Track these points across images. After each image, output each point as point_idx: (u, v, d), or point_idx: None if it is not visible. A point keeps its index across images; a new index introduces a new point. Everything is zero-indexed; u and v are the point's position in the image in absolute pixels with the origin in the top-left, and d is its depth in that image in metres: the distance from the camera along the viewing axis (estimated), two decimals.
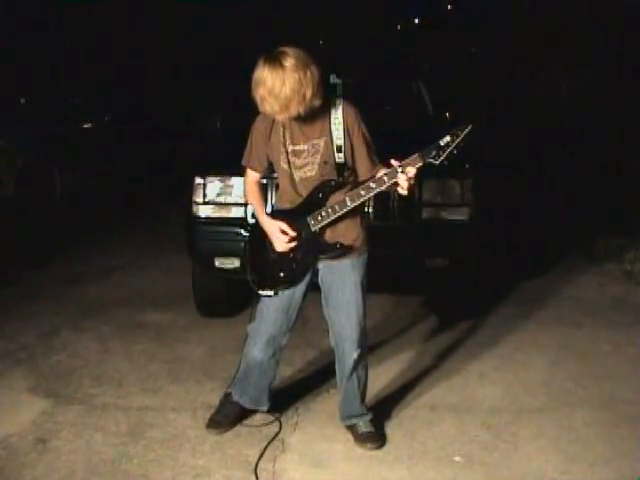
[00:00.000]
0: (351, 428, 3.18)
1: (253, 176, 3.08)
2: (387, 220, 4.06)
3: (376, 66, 5.92)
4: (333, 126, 2.87)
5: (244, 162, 3.07)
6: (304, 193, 2.93)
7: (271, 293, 2.99)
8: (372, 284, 3.08)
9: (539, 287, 5.29)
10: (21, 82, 6.96)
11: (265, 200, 3.36)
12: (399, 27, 24.00)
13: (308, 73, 2.68)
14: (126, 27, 13.12)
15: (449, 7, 23.51)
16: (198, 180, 4.17)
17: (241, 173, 3.18)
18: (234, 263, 4.02)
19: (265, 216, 3.01)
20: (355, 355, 3.05)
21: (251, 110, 2.88)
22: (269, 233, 2.98)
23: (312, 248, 2.95)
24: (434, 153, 2.76)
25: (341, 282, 2.99)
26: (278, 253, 2.98)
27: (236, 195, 4.10)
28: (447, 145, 2.75)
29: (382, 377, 3.73)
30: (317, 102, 2.76)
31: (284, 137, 2.91)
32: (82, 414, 3.35)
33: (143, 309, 4.76)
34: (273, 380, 3.25)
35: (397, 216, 4.07)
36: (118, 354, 4.05)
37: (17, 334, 4.27)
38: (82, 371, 3.81)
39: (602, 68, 12.29)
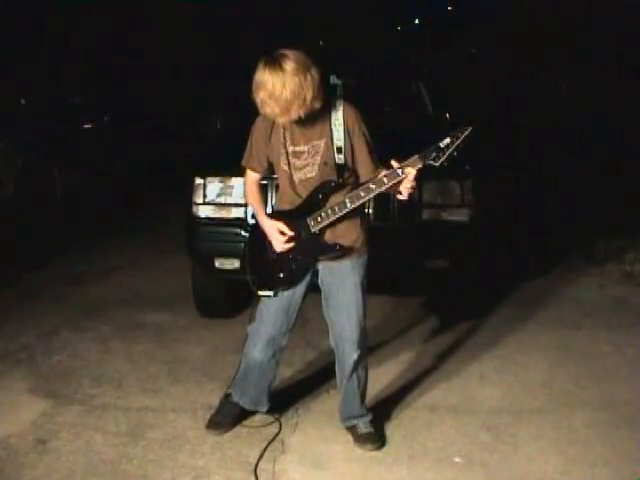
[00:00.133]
0: (351, 429, 3.18)
1: (253, 177, 3.08)
2: (387, 221, 4.06)
3: (376, 67, 5.92)
4: (334, 127, 2.87)
5: (244, 163, 3.07)
6: (304, 194, 2.93)
7: (271, 294, 2.99)
8: (372, 285, 3.09)
9: (539, 288, 5.29)
10: (21, 82, 6.94)
11: (265, 201, 3.36)
12: (399, 28, 24.02)
13: (309, 76, 2.68)
14: (126, 27, 13.12)
15: (449, 8, 23.52)
16: (198, 180, 4.17)
17: (241, 174, 3.18)
18: (234, 264, 4.02)
19: (264, 217, 3.01)
20: (355, 356, 3.05)
21: (251, 110, 2.88)
22: (268, 234, 2.98)
23: (312, 249, 2.96)
24: (434, 155, 2.76)
25: (341, 283, 2.99)
26: (278, 254, 2.98)
27: (236, 196, 4.10)
28: (447, 147, 2.75)
29: (382, 378, 3.73)
30: (317, 104, 2.76)
31: (284, 138, 2.91)
32: (82, 415, 3.35)
33: (143, 309, 4.76)
34: (273, 381, 3.26)
35: (397, 217, 4.06)
36: (118, 354, 4.05)
37: (17, 334, 4.27)
38: (82, 371, 3.81)
39: (602, 68, 12.28)
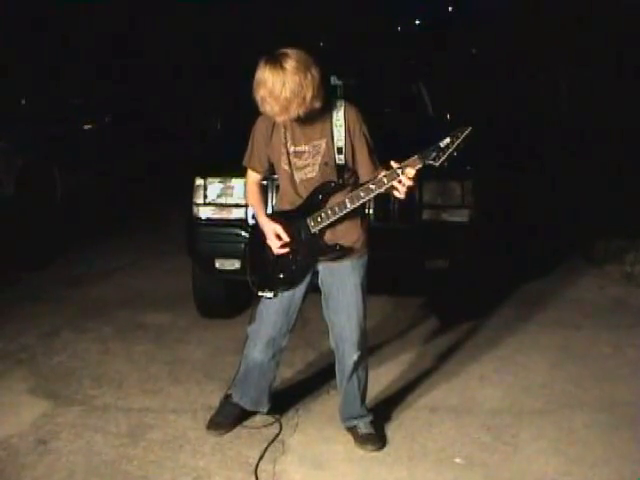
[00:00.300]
0: (351, 429, 3.18)
1: (254, 177, 3.08)
2: (387, 221, 4.06)
3: (377, 67, 5.92)
4: (334, 127, 2.87)
5: (245, 163, 3.07)
6: (304, 194, 2.94)
7: (271, 294, 2.99)
8: (372, 285, 3.09)
9: (539, 289, 5.29)
10: (21, 82, 6.93)
11: (265, 201, 3.36)
12: (399, 28, 24.01)
13: (309, 75, 2.68)
14: (126, 27, 13.11)
15: (450, 8, 23.51)
16: (198, 181, 4.16)
17: (241, 174, 3.19)
18: (234, 264, 4.02)
19: (264, 217, 3.01)
20: (355, 356, 3.05)
21: (252, 111, 2.88)
22: (266, 235, 2.99)
23: (312, 250, 2.96)
24: (434, 155, 2.76)
25: (341, 284, 2.99)
26: (278, 255, 2.98)
27: (237, 196, 4.10)
28: (447, 147, 2.75)
29: (382, 379, 3.73)
30: (317, 104, 2.76)
31: (285, 138, 2.91)
32: (82, 415, 3.35)
33: (143, 310, 4.76)
34: (273, 381, 3.26)
35: (397, 217, 4.06)
36: (118, 355, 4.05)
37: (17, 335, 4.27)
38: (82, 372, 3.81)
39: (602, 68, 12.27)
